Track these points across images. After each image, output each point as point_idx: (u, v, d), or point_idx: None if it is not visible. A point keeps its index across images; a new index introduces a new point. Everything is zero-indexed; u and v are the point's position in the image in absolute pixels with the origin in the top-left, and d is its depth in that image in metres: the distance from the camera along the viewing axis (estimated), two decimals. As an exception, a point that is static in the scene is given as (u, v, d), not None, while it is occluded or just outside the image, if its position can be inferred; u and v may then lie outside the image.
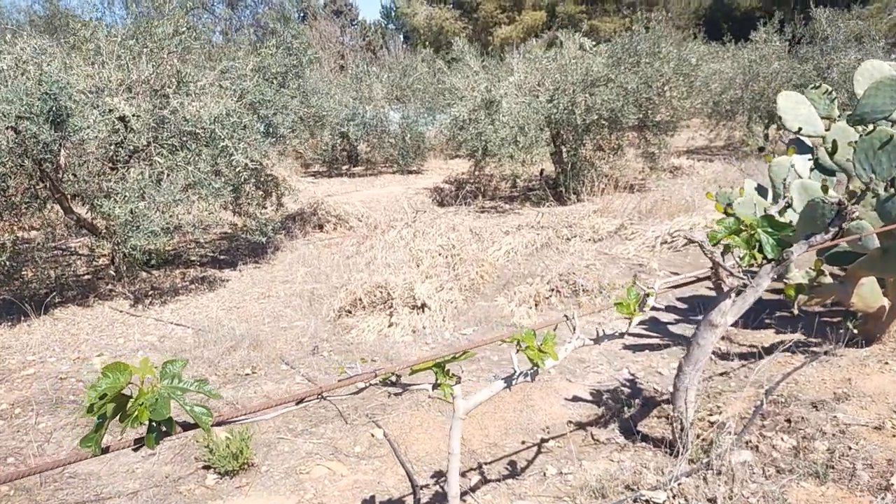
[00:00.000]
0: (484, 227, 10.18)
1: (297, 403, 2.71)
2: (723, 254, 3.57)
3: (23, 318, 7.51)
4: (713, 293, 3.71)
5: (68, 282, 8.68)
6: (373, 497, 3.98)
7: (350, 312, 7.15)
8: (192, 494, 4.20)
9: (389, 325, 6.67)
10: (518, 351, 3.07)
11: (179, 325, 7.12)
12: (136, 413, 2.13)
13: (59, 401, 5.49)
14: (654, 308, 6.62)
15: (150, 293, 8.22)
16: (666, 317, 6.71)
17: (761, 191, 5.84)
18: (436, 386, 2.96)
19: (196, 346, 6.52)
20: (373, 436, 4.70)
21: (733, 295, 3.63)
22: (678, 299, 7.16)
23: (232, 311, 7.61)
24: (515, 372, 3.02)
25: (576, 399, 5.05)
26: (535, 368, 3.05)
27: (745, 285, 3.62)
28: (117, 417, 2.20)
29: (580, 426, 4.65)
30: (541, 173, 14.41)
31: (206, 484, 4.30)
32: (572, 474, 3.99)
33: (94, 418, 2.12)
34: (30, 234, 10.74)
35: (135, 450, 2.30)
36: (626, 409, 4.75)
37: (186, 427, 2.34)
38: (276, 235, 9.90)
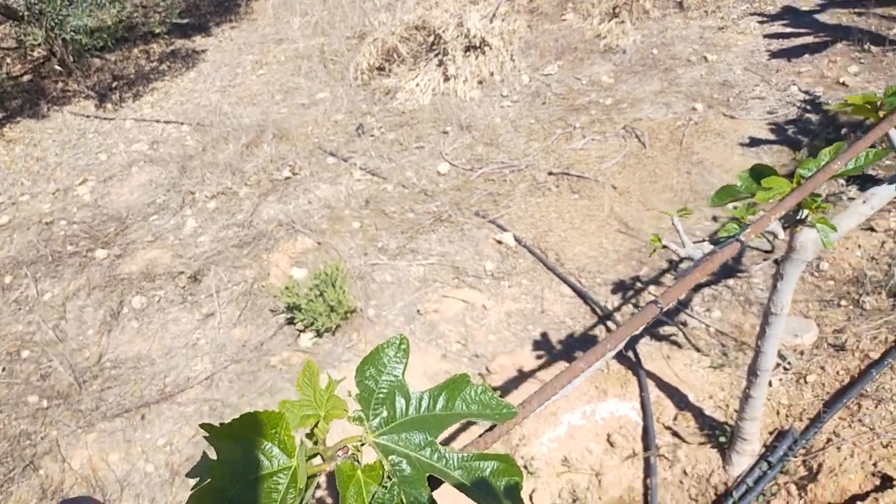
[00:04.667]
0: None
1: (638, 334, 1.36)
2: None
3: (-34, 148, 5.83)
4: None
5: (6, 87, 6.76)
6: (545, 337, 2.88)
7: (384, 70, 5.46)
8: (288, 365, 3.10)
9: (446, 80, 5.05)
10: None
11: (171, 123, 5.49)
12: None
13: (58, 256, 4.16)
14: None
15: (114, 85, 6.38)
16: (804, 1, 5.06)
17: None
18: (793, 222, 1.61)
19: (203, 148, 4.99)
20: (500, 242, 3.46)
21: None
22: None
23: (228, 92, 5.89)
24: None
25: (754, 142, 3.72)
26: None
27: None
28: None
29: (784, 183, 3.39)
30: None
31: (301, 347, 3.18)
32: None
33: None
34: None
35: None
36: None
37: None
38: (244, -20, 7.66)
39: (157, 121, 5.57)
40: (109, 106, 6.00)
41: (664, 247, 1.44)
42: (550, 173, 3.85)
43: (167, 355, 3.26)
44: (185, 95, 5.99)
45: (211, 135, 5.12)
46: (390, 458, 0.78)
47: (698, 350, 2.60)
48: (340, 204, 4.06)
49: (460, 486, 0.78)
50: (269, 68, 6.14)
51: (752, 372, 1.91)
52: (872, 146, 1.48)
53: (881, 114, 1.68)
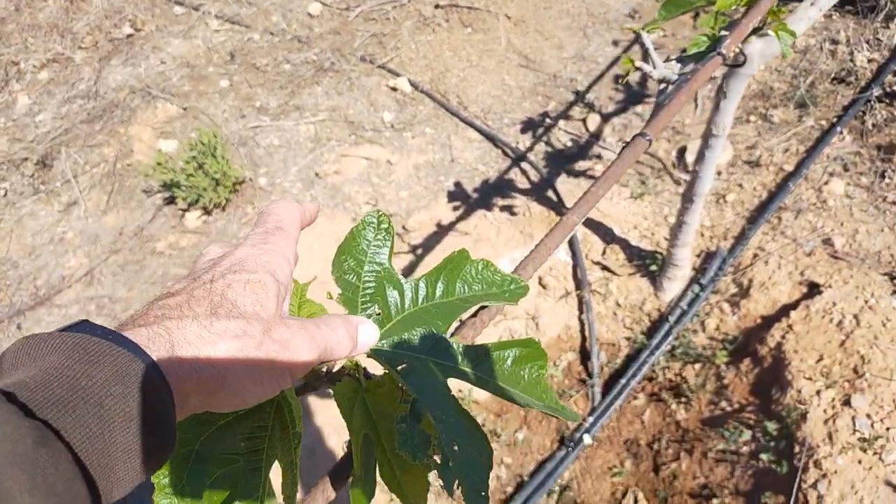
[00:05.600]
0: None
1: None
2: None
3: None
4: None
5: None
6: (459, 186, 2.71)
7: None
8: (177, 249, 2.78)
9: None
10: None
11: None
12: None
13: None
14: None
15: None
16: None
17: None
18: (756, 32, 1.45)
19: (16, 7, 4.10)
20: (394, 89, 3.15)
21: None
22: None
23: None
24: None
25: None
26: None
27: None
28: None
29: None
30: None
31: (188, 228, 2.84)
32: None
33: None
34: None
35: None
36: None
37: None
38: None
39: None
40: None
41: (637, 68, 1.26)
42: (437, 6, 3.50)
43: (31, 255, 2.82)
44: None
45: (14, 2, 4.21)
46: (399, 368, 0.59)
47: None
48: (201, 61, 3.52)
49: (480, 383, 0.62)
50: None
51: (688, 198, 1.87)
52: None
53: None
